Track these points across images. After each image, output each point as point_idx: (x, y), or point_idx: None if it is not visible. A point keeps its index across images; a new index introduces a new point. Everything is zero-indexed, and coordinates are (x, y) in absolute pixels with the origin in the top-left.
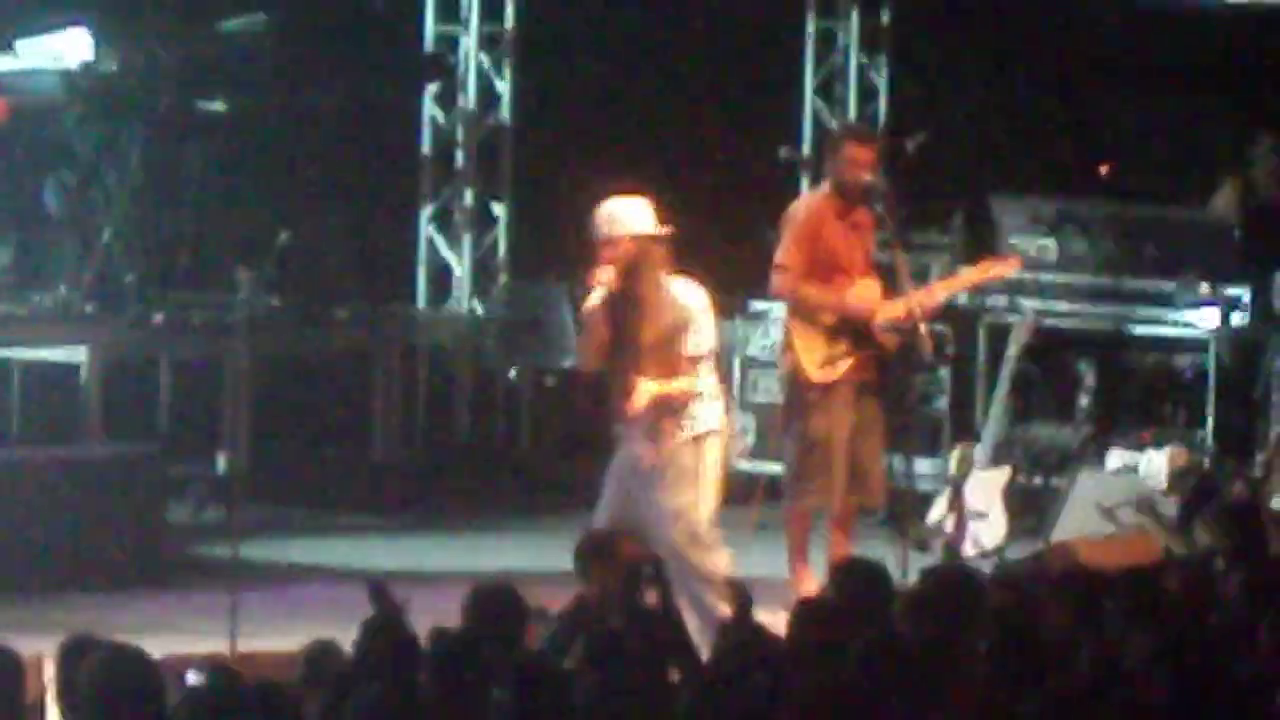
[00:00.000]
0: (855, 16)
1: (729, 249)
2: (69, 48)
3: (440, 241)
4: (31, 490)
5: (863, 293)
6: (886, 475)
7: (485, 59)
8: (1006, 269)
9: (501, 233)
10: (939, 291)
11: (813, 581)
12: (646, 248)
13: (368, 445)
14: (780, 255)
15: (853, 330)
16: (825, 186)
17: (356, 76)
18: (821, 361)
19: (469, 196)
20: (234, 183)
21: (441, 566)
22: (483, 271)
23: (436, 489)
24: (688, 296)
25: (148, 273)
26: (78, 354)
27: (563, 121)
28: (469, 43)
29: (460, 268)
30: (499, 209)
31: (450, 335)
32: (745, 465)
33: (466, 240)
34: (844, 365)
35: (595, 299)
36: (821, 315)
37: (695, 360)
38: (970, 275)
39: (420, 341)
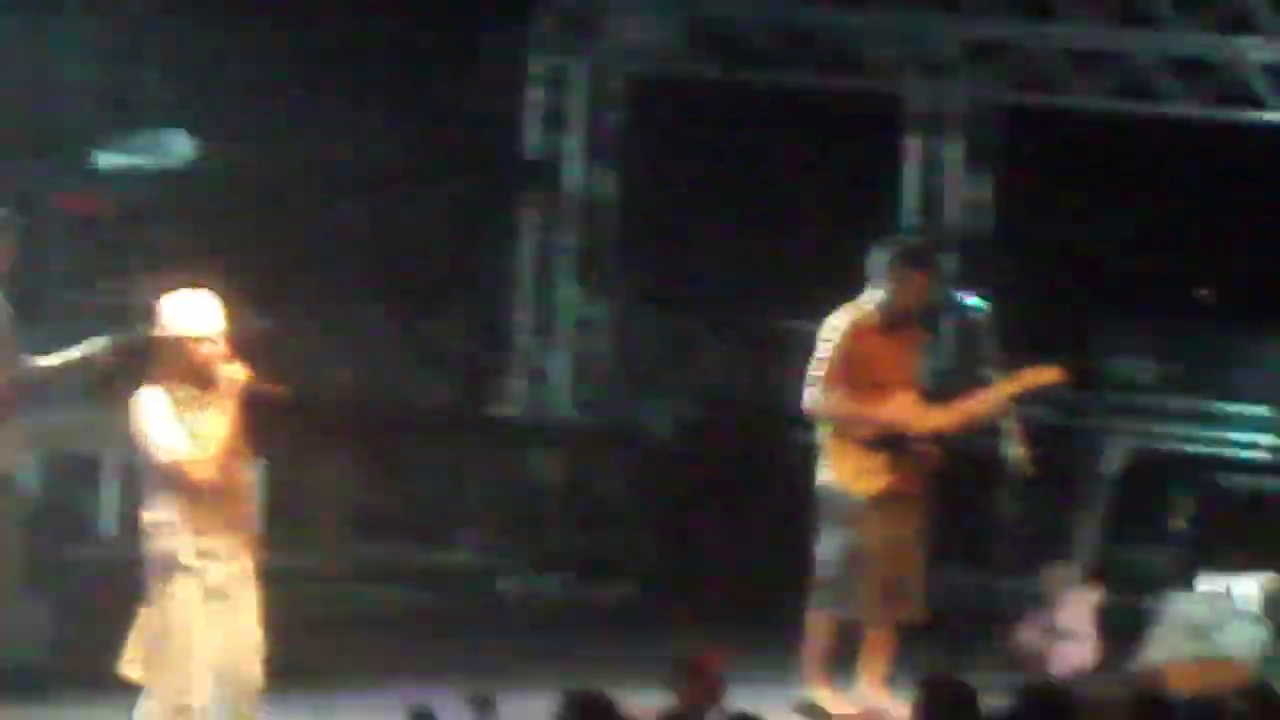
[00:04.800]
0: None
1: None
2: (169, 148)
3: (537, 346)
4: None
5: (899, 405)
6: (926, 589)
7: (589, 166)
8: (1044, 378)
9: (603, 337)
10: (979, 404)
11: (828, 693)
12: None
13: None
14: (815, 367)
15: (891, 443)
16: (873, 299)
17: (458, 182)
18: (858, 473)
19: (569, 298)
20: (333, 286)
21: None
22: (582, 377)
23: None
24: None
25: None
26: None
27: (668, 227)
28: (573, 148)
29: (559, 373)
30: (599, 312)
31: (546, 441)
32: None
33: (566, 346)
34: (882, 478)
35: None
36: (855, 428)
37: None
38: (1009, 386)
39: (516, 447)
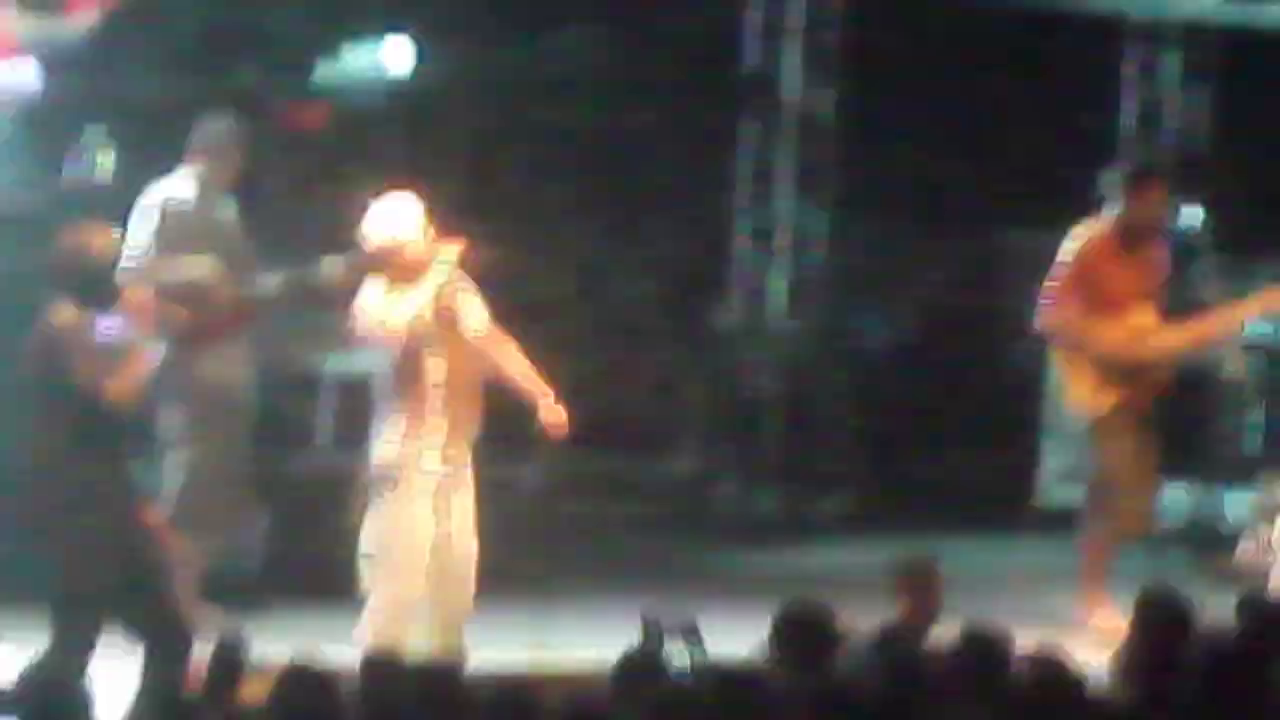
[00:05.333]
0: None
1: None
2: (390, 57)
3: (755, 256)
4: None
5: (1135, 322)
6: (1155, 505)
7: (807, 79)
8: None
9: (821, 248)
10: (1213, 322)
11: (1109, 612)
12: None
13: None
14: (1049, 285)
15: (1127, 360)
16: (1111, 216)
17: (676, 95)
18: (1094, 390)
19: (787, 209)
20: (553, 195)
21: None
22: (799, 287)
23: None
24: None
25: None
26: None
27: (885, 141)
28: (792, 61)
29: (776, 284)
30: (817, 223)
31: (763, 352)
32: None
33: (783, 256)
34: (1117, 394)
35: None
36: (1091, 345)
37: None
38: (1248, 305)
39: (733, 358)
